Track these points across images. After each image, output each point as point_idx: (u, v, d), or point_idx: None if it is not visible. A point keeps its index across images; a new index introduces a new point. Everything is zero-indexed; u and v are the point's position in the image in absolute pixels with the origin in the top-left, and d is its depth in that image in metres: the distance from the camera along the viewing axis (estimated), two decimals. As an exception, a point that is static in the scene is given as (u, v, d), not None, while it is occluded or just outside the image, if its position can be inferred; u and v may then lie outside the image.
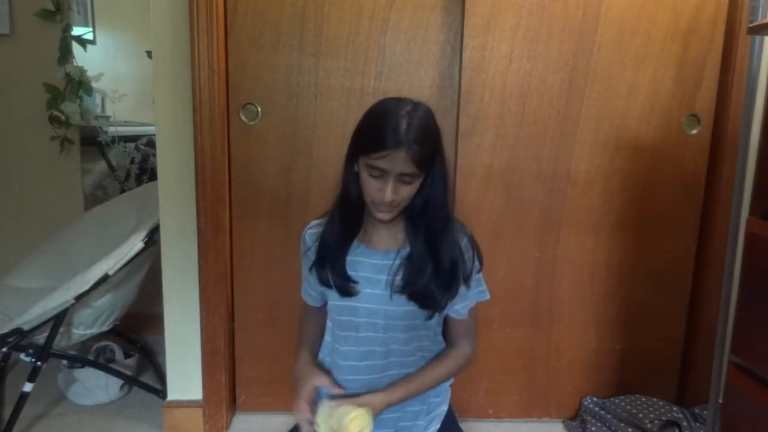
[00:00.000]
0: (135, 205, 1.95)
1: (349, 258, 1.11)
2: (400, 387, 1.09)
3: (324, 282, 1.12)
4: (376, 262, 1.11)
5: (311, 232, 1.16)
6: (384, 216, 1.05)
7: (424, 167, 1.01)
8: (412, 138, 0.96)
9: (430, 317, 1.12)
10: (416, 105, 1.02)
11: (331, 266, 1.10)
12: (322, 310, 1.22)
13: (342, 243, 1.11)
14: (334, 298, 1.13)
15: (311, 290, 1.21)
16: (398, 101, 1.02)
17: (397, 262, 1.09)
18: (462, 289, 1.11)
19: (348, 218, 1.11)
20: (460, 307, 1.14)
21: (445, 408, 1.22)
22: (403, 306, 1.09)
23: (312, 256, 1.14)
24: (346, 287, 1.10)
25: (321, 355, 1.22)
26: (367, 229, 1.13)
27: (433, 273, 1.06)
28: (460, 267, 1.08)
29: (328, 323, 1.20)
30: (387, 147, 0.96)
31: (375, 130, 0.99)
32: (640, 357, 1.78)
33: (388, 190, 0.99)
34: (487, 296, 1.17)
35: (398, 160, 0.97)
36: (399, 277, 1.08)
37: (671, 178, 1.67)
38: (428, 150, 0.99)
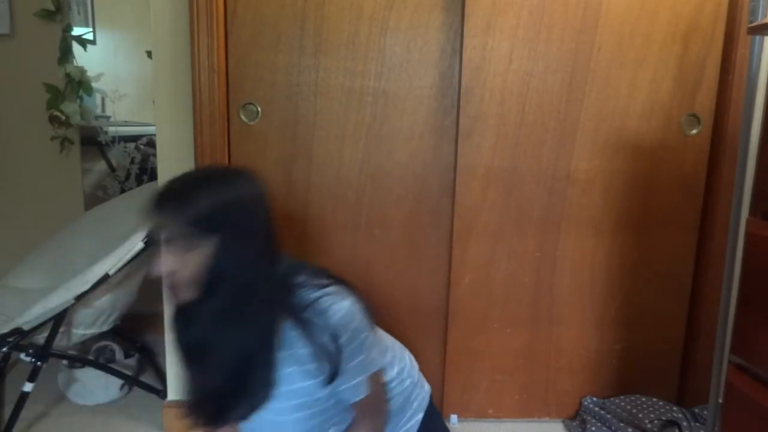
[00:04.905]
0: (135, 205, 1.95)
1: None
2: None
3: None
4: None
5: None
6: (173, 299, 0.96)
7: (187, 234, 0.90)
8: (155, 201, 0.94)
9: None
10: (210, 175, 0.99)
11: None
12: None
13: None
14: None
15: None
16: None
17: None
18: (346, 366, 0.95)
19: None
20: (346, 387, 0.97)
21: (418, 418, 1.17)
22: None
23: None
24: None
25: None
26: None
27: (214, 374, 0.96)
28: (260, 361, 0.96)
29: None
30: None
31: None
32: (640, 357, 1.78)
33: (159, 260, 0.92)
34: (375, 368, 1.01)
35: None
36: None
37: (671, 178, 1.67)
38: (174, 215, 0.92)
